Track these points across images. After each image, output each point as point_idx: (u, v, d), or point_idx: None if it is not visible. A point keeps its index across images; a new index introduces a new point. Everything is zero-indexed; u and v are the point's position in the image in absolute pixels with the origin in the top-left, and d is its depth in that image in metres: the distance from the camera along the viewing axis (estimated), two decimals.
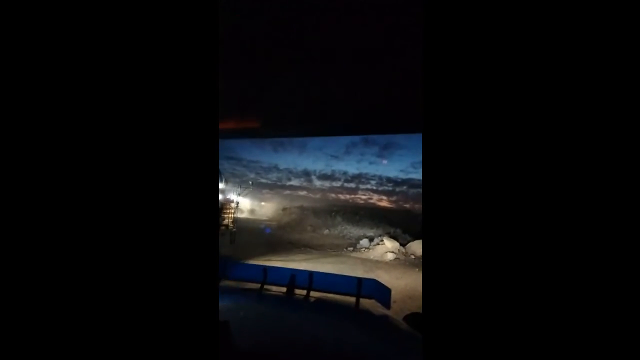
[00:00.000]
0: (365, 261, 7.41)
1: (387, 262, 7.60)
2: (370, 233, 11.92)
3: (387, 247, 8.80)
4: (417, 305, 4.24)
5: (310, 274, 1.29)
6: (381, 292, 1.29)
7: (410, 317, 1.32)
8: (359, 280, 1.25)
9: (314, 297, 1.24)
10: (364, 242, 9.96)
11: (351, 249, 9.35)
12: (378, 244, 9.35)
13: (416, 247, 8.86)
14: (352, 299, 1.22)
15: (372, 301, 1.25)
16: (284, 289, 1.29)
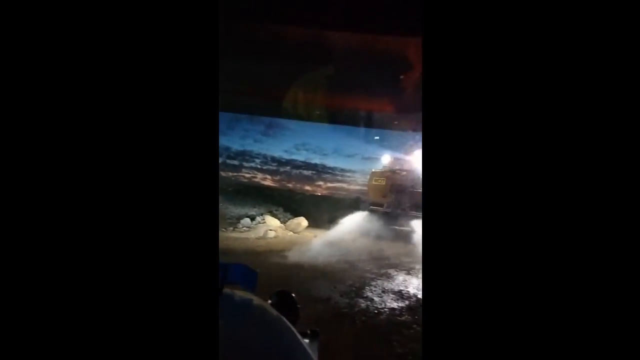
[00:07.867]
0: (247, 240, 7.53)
1: (268, 240, 7.91)
2: (253, 212, 11.52)
3: (269, 226, 9.20)
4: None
5: None
6: (247, 276, 1.18)
7: (274, 297, 1.25)
8: (225, 266, 1.14)
9: None
10: (245, 221, 9.94)
11: (231, 229, 9.30)
12: (259, 223, 9.66)
13: (295, 225, 9.61)
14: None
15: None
16: None
